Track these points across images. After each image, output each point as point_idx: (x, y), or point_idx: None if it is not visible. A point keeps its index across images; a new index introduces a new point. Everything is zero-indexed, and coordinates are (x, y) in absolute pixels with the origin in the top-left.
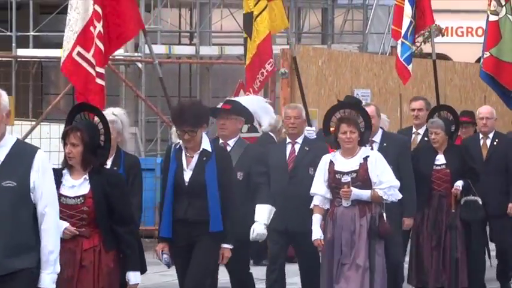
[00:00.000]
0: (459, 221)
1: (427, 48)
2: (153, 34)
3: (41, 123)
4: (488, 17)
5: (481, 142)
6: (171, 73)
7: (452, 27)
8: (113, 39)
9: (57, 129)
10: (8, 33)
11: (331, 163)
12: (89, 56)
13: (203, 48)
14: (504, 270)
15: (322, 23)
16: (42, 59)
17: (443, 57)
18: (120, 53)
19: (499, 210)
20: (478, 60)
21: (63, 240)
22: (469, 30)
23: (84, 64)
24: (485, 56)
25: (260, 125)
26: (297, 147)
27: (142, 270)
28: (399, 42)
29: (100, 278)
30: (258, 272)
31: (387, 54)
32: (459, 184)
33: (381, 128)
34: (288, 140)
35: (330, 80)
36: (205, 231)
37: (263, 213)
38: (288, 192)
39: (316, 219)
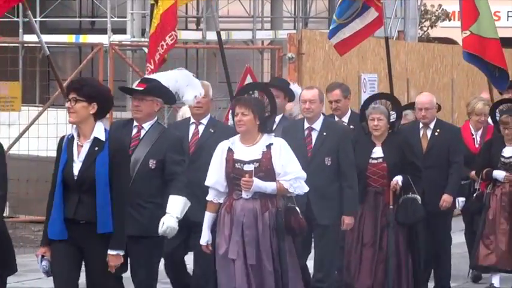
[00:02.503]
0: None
1: (434, 32)
2: None
3: (48, 109)
4: None
5: (421, 132)
6: (178, 58)
7: (459, 12)
8: None
9: (64, 114)
10: (15, 19)
11: (230, 151)
12: None
13: (210, 33)
14: (438, 272)
15: (329, 7)
16: (49, 45)
17: (450, 41)
18: (126, 38)
19: (437, 207)
20: None
21: None
22: None
23: None
24: (464, 35)
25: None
26: (201, 128)
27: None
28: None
29: None
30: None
31: (394, 39)
32: (398, 178)
33: (323, 114)
34: (192, 120)
35: (336, 65)
36: (95, 233)
37: (176, 205)
38: (188, 178)
39: (207, 218)
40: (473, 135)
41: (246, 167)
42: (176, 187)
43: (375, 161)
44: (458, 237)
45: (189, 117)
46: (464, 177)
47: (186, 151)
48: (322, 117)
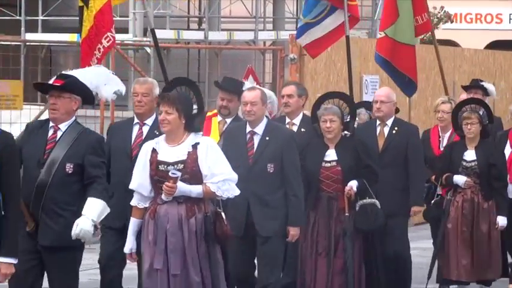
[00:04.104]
0: (354, 227)
1: (436, 34)
2: (162, 19)
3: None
4: None
5: (378, 130)
6: (180, 58)
7: (461, 14)
8: None
9: None
10: (17, 18)
11: (154, 152)
12: None
13: (212, 33)
14: (397, 279)
15: None
16: (51, 43)
17: (452, 43)
18: (129, 37)
19: (393, 209)
20: (487, 47)
21: None
22: (478, 16)
23: None
24: (380, 36)
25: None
26: (146, 129)
27: None
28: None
29: None
30: None
31: None
32: (353, 184)
33: (267, 117)
34: (136, 121)
35: (338, 66)
36: None
37: (93, 208)
38: (128, 183)
39: (132, 225)
40: (439, 137)
41: (172, 172)
42: (95, 189)
43: (329, 165)
44: (419, 244)
45: (133, 117)
46: (426, 179)
47: (123, 153)
48: (265, 120)
